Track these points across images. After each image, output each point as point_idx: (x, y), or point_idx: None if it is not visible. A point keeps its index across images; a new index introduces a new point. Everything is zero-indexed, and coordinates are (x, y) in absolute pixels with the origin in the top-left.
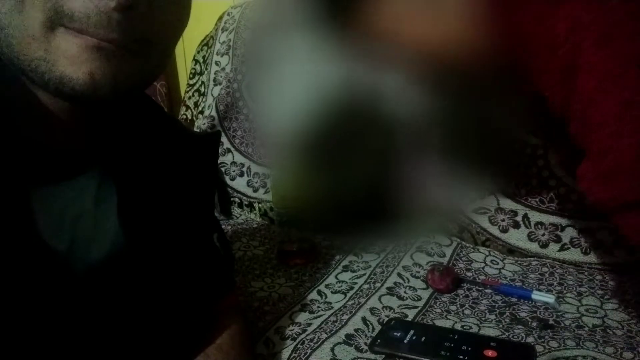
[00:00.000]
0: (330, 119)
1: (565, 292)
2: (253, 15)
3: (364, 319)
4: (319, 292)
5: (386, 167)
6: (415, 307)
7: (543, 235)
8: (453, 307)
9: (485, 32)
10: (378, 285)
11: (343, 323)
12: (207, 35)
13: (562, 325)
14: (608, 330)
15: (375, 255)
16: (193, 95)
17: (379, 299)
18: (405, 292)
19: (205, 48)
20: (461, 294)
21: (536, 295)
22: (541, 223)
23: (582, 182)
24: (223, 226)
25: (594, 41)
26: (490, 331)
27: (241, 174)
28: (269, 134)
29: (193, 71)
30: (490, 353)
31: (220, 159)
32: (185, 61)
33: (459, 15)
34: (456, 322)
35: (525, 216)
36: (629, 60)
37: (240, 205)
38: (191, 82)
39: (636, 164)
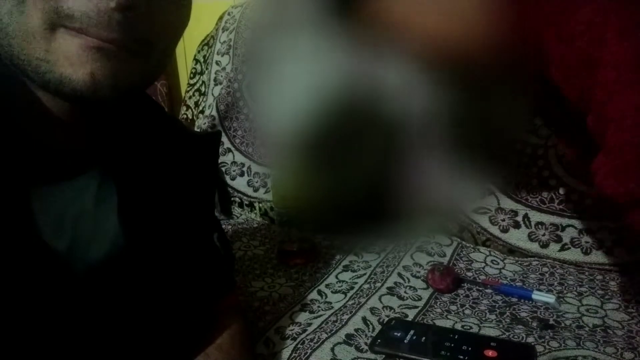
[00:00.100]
0: (330, 118)
1: (565, 292)
2: (253, 15)
3: (364, 319)
4: (319, 292)
5: (386, 167)
6: (416, 307)
7: (543, 235)
8: (453, 307)
9: (501, 21)
10: (378, 285)
11: (343, 323)
12: (208, 35)
13: (563, 325)
14: (608, 330)
15: (376, 255)
16: (193, 94)
17: (379, 298)
18: (405, 292)
19: (206, 48)
20: (461, 294)
21: (536, 295)
22: (542, 223)
23: (596, 176)
24: (223, 226)
25: (617, 32)
26: (490, 331)
27: (241, 174)
28: (270, 133)
29: (194, 71)
30: (490, 353)
31: (221, 159)
32: (186, 61)
33: (473, 5)
34: (456, 322)
35: (525, 216)
36: None
37: (241, 205)
38: (192, 81)
39: None
